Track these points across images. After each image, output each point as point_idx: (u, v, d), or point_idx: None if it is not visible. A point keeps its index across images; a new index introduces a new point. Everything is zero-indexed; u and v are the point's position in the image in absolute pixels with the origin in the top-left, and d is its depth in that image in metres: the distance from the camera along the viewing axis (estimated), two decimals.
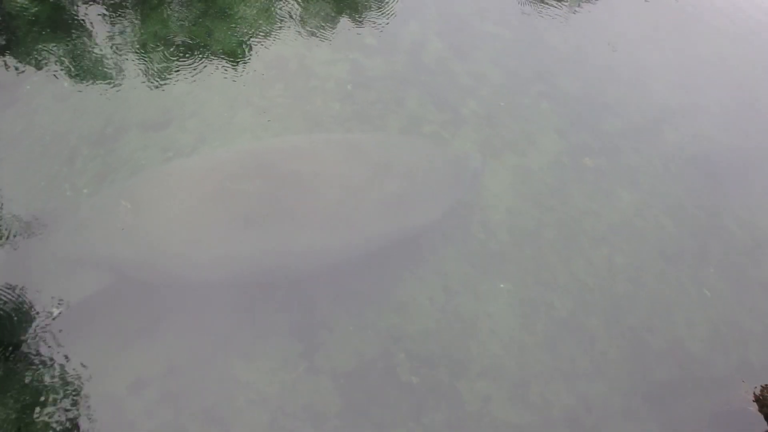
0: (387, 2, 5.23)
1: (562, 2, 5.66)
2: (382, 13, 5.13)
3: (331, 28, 4.94)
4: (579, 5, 5.71)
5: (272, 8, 4.89)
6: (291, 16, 4.90)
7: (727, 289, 4.26)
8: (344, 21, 5.01)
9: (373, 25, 5.03)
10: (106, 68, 4.24)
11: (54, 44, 4.24)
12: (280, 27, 4.78)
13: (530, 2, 5.62)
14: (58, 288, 3.28)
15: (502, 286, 3.98)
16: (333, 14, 5.05)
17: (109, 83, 4.17)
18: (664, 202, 4.63)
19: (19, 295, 3.25)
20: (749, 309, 4.21)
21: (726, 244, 4.50)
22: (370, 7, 5.17)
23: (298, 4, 4.99)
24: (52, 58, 4.18)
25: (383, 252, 3.76)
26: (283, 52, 4.63)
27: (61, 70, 4.15)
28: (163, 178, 3.46)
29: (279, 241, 3.33)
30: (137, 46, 4.40)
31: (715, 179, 4.84)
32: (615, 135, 4.90)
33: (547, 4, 5.61)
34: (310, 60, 4.68)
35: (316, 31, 4.90)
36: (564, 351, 3.83)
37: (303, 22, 4.90)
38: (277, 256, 3.38)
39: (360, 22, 5.04)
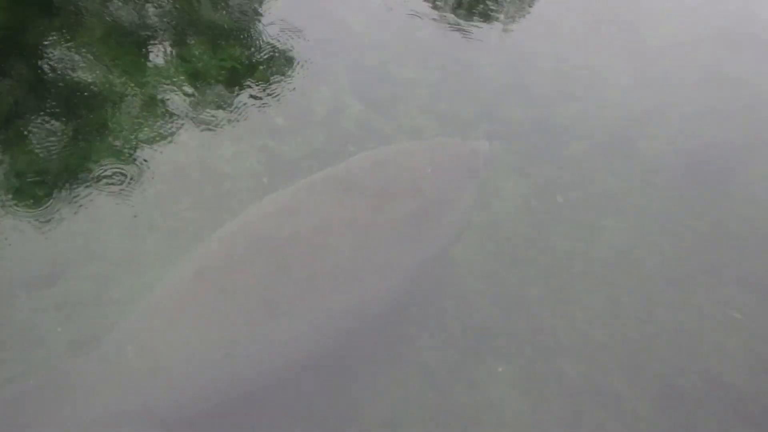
0: (291, 71, 4.83)
1: (488, 24, 5.34)
2: (288, 84, 4.72)
3: (231, 115, 4.48)
4: (508, 23, 5.42)
5: (155, 108, 4.37)
6: (180, 113, 4.40)
7: (753, 304, 3.83)
8: (246, 103, 4.56)
9: (280, 101, 4.60)
10: None
11: None
12: (169, 129, 4.28)
13: (449, 34, 5.28)
14: None
15: (500, 369, 3.50)
16: (230, 98, 4.59)
17: None
18: (656, 221, 4.26)
19: None
20: None
21: (738, 252, 4.12)
22: (272, 80, 4.75)
23: (185, 95, 4.51)
24: None
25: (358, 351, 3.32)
26: (180, 157, 4.11)
27: None
28: (165, 299, 2.95)
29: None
30: (1, 193, 3.82)
31: (705, 183, 4.52)
32: (582, 160, 4.55)
33: (468, 32, 5.26)
34: (214, 160, 4.18)
35: (214, 123, 4.41)
36: (589, 422, 3.36)
37: (196, 116, 4.41)
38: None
39: (264, 100, 4.61)
